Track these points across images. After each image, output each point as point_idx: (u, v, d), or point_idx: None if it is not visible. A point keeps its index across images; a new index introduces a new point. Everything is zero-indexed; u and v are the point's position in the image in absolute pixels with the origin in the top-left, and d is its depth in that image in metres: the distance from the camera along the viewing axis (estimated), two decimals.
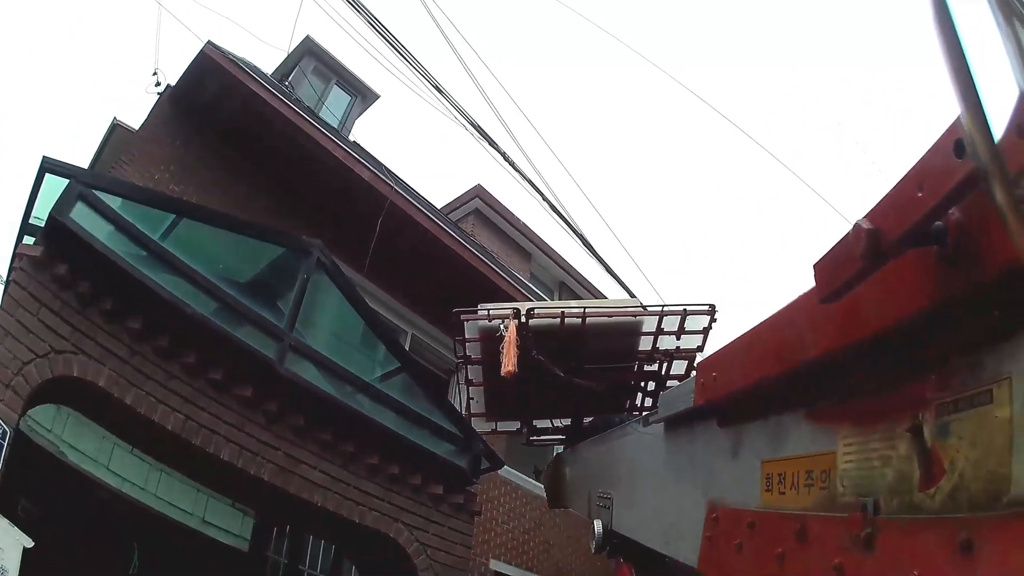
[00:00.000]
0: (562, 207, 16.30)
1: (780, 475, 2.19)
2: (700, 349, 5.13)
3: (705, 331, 5.11)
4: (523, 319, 4.60)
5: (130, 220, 7.36)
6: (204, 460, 7.35)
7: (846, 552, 1.76)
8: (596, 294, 22.47)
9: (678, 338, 5.05)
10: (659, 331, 4.98)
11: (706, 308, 5.10)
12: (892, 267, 1.48)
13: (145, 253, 7.38)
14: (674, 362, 5.18)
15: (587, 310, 4.81)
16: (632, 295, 14.57)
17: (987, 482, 1.33)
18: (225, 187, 12.31)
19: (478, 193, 20.13)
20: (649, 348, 5.07)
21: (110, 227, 7.16)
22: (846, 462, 1.85)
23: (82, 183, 6.98)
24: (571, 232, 13.92)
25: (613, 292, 19.84)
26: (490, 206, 20.24)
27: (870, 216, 1.49)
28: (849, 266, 1.52)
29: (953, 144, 1.21)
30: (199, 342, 7.42)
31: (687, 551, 2.80)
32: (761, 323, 2.30)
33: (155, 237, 7.64)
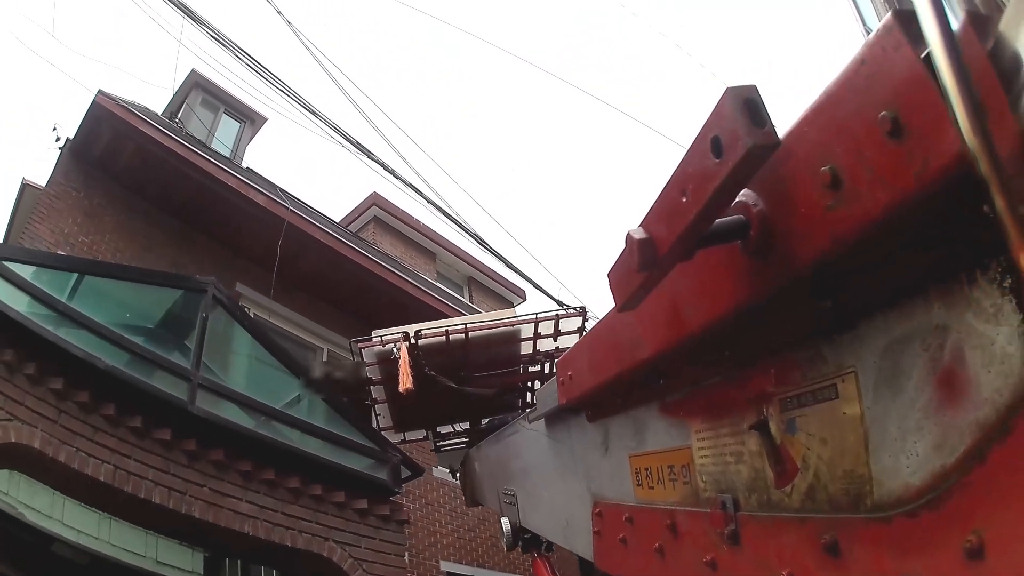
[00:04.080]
0: (451, 208, 16.63)
1: (647, 469, 2.17)
2: None
3: (580, 331, 5.47)
4: (412, 340, 5.00)
5: (40, 286, 7.61)
6: (138, 505, 7.54)
7: (716, 548, 1.73)
8: (506, 285, 22.96)
9: (555, 339, 5.41)
10: (536, 336, 5.36)
11: (577, 311, 5.62)
12: (703, 263, 1.42)
13: (57, 315, 7.62)
14: (555, 361, 5.41)
15: (468, 325, 5.22)
16: (533, 282, 15.00)
17: (846, 482, 1.29)
18: (131, 230, 12.51)
19: (375, 200, 20.36)
20: (530, 351, 5.45)
21: (25, 296, 7.41)
22: (702, 457, 1.83)
23: None
24: (465, 232, 14.20)
25: (520, 283, 20.25)
26: (389, 212, 20.49)
27: (644, 224, 1.41)
28: (633, 277, 1.43)
29: (710, 143, 1.16)
30: (115, 393, 7.63)
31: (583, 547, 2.76)
32: (601, 320, 2.24)
33: (64, 297, 7.89)
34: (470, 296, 22.46)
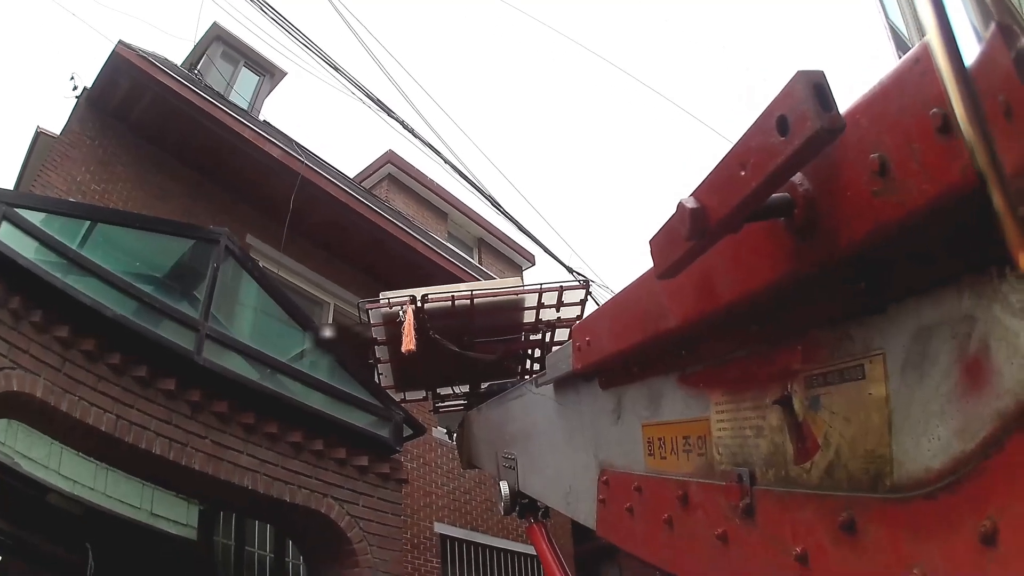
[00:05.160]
0: (468, 170, 16.62)
1: (660, 439, 2.17)
2: (579, 318, 5.57)
3: (582, 303, 5.63)
4: (419, 304, 5.13)
5: (51, 233, 7.64)
6: (139, 456, 7.60)
7: (728, 521, 1.73)
8: (516, 248, 22.96)
9: (558, 310, 5.56)
10: (540, 305, 5.49)
11: (580, 283, 5.75)
12: (742, 238, 1.43)
13: (66, 262, 7.66)
14: (556, 331, 5.69)
15: (474, 292, 5.33)
16: (543, 246, 15.06)
17: (867, 461, 1.30)
18: (144, 180, 12.56)
19: (390, 159, 20.39)
20: (533, 320, 5.59)
21: (34, 242, 7.45)
22: (720, 430, 1.83)
23: (4, 203, 7.28)
24: (479, 194, 14.22)
25: (530, 247, 20.25)
26: (403, 170, 20.54)
27: (696, 194, 1.43)
28: (679, 245, 1.46)
29: (776, 122, 1.18)
30: (121, 342, 7.68)
31: (586, 514, 2.78)
32: (626, 288, 2.21)
33: (75, 245, 7.92)
34: (479, 258, 22.49)
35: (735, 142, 1.32)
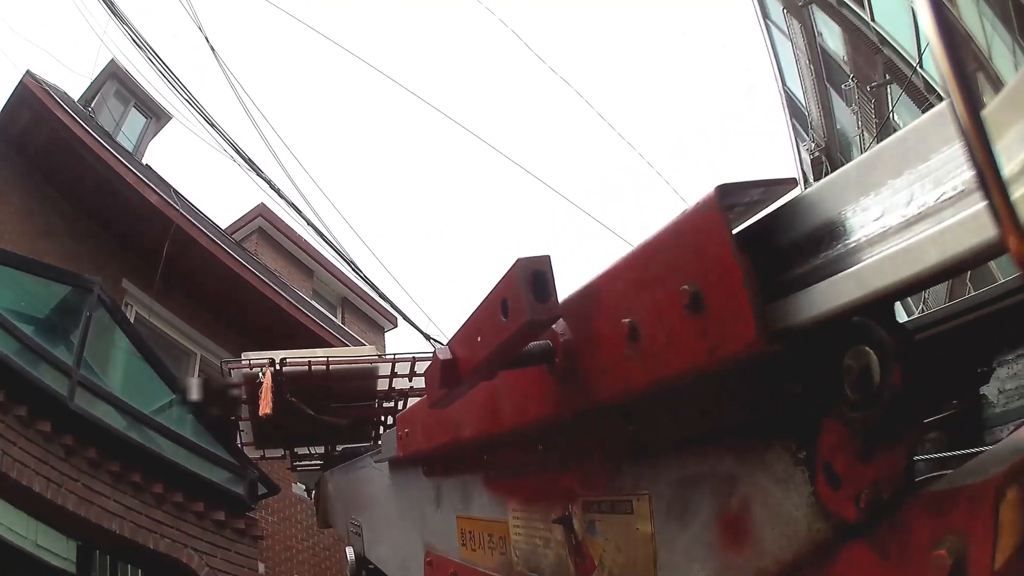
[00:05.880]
0: (332, 234, 16.86)
1: (471, 532, 2.22)
2: None
3: None
4: (277, 367, 5.29)
5: None
6: (21, 491, 7.72)
7: None
8: (378, 310, 23.18)
9: (410, 379, 5.73)
10: (393, 375, 5.71)
11: (431, 355, 6.11)
12: (518, 373, 1.45)
13: None
14: (409, 399, 5.86)
15: (331, 358, 5.52)
16: (402, 313, 15.36)
17: None
18: (32, 214, 12.55)
19: (261, 212, 20.47)
20: (386, 388, 5.78)
21: None
22: (516, 534, 1.86)
23: None
24: (340, 257, 14.38)
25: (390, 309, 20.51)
26: (273, 225, 20.67)
27: (450, 344, 1.52)
28: (438, 386, 1.53)
29: (500, 304, 1.23)
30: (4, 380, 7.83)
31: None
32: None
33: None
34: (343, 317, 22.60)
35: (476, 305, 1.40)
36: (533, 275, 1.18)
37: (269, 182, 12.74)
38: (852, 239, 0.87)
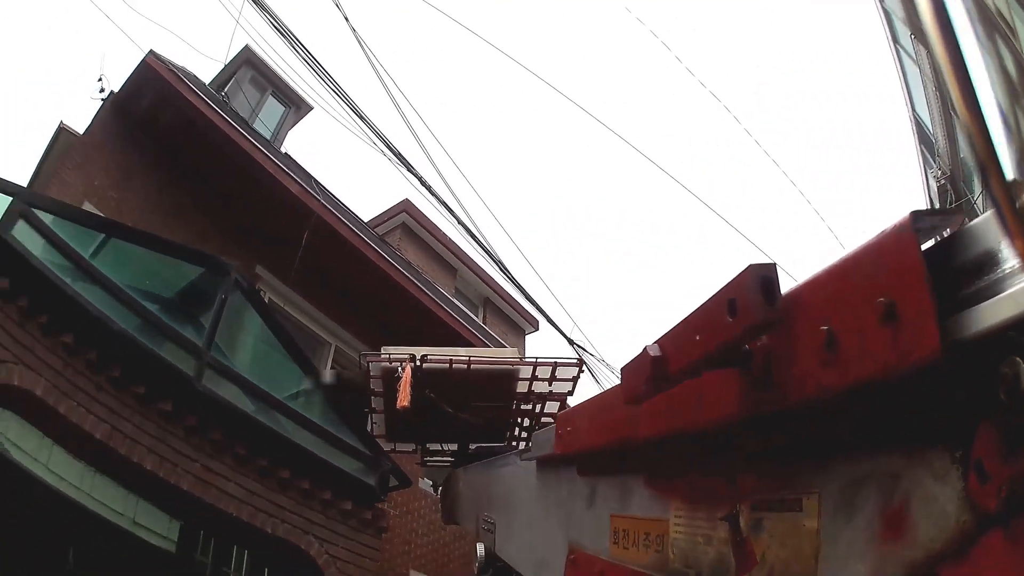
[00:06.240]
0: (480, 233, 16.59)
1: (625, 531, 2.24)
2: (570, 393, 5.80)
3: (574, 380, 5.71)
4: (418, 363, 5.20)
5: (64, 238, 7.65)
6: (130, 468, 7.61)
7: None
8: (521, 312, 22.96)
9: (550, 384, 5.63)
10: (534, 378, 5.57)
11: (575, 362, 5.79)
12: (708, 375, 1.52)
13: (78, 269, 7.66)
14: (547, 403, 5.83)
15: (472, 358, 5.44)
16: (548, 318, 15.03)
17: None
18: (161, 195, 12.49)
19: (405, 208, 20.38)
20: (525, 391, 5.68)
21: (47, 245, 7.44)
22: (676, 532, 1.90)
23: (24, 202, 7.28)
24: (488, 256, 14.22)
25: (535, 313, 20.22)
26: (417, 221, 20.52)
27: (660, 342, 1.59)
28: (642, 381, 1.61)
29: (727, 304, 1.30)
30: (124, 357, 7.69)
31: None
32: (605, 392, 2.37)
33: (87, 254, 7.93)
34: (484, 317, 22.42)
35: (696, 307, 1.48)
36: (762, 280, 1.26)
37: (419, 177, 12.66)
38: (1009, 266, 1.01)
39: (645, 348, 1.59)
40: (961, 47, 0.96)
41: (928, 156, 21.12)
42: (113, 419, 7.46)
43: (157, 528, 8.58)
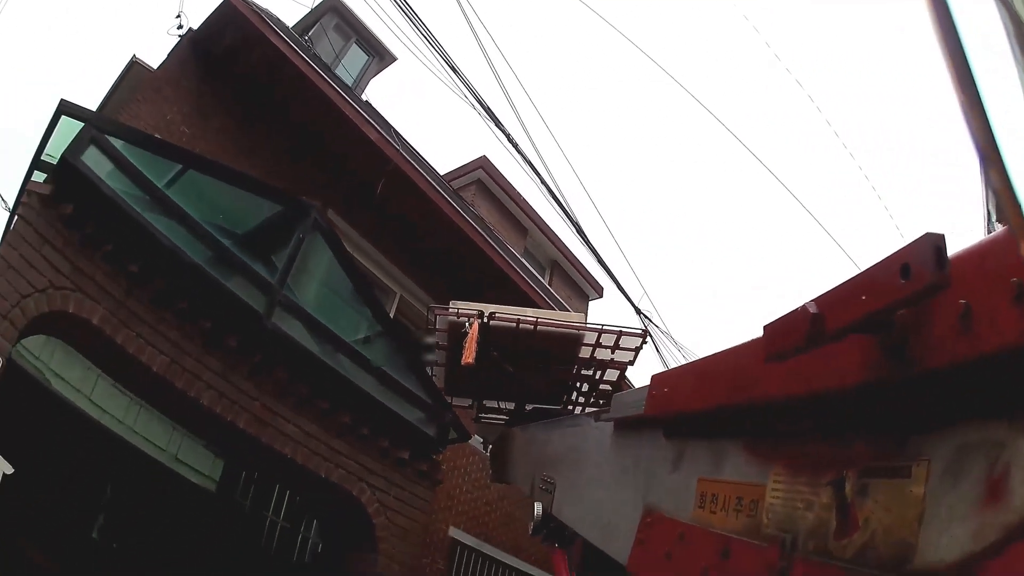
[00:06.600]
0: (560, 193, 16.48)
1: (713, 495, 2.27)
2: (631, 363, 5.83)
3: (637, 350, 5.76)
4: (485, 320, 5.26)
5: (137, 166, 7.59)
6: (184, 402, 7.59)
7: None
8: (587, 278, 23.00)
9: (612, 352, 5.66)
10: (597, 344, 5.59)
11: (639, 332, 5.81)
12: (846, 341, 1.59)
13: (149, 199, 7.61)
14: (608, 371, 5.84)
15: (539, 320, 5.44)
16: (619, 284, 14.88)
17: (896, 547, 1.44)
18: (234, 134, 12.47)
19: (482, 164, 20.31)
20: (587, 356, 5.68)
21: (118, 172, 7.39)
22: (774, 497, 1.94)
23: (96, 127, 7.23)
24: (565, 218, 14.09)
25: (602, 278, 20.04)
26: (492, 178, 20.45)
27: (818, 301, 1.61)
28: (794, 338, 1.64)
29: (900, 267, 1.35)
30: (192, 290, 7.66)
31: (619, 549, 2.85)
32: (715, 354, 2.35)
33: (160, 184, 7.87)
34: (550, 280, 22.35)
35: (860, 271, 1.53)
36: (935, 247, 1.29)
37: (507, 134, 12.64)
38: None
39: (803, 305, 1.62)
40: (964, 48, 1.07)
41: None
42: (174, 352, 7.44)
43: (199, 466, 8.68)
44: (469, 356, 5.09)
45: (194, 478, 8.55)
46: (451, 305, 5.56)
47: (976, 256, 1.32)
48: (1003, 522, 1.18)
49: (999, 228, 1.30)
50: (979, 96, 1.07)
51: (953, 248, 1.34)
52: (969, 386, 1.36)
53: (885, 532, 1.48)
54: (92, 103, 14.65)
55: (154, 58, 12.81)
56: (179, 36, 12.40)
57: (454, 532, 14.61)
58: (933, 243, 1.29)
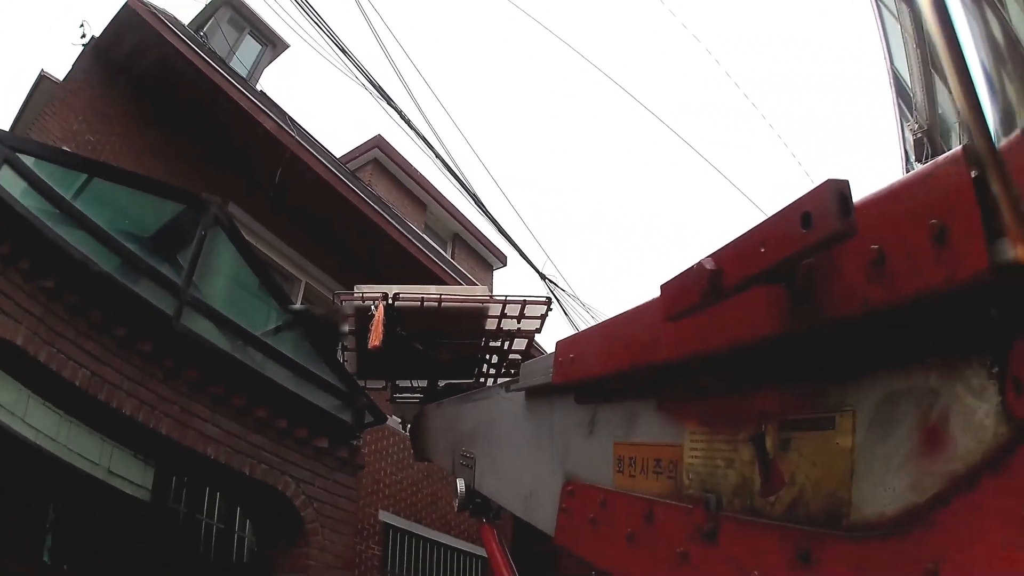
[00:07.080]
0: (456, 166, 16.71)
1: (631, 459, 2.26)
2: (538, 331, 6.09)
3: (542, 317, 6.00)
4: (390, 302, 5.45)
5: (47, 181, 7.63)
6: (109, 414, 7.61)
7: (691, 541, 1.85)
8: (490, 248, 23.22)
9: (518, 322, 5.93)
10: (503, 315, 5.85)
11: (544, 300, 6.07)
12: (747, 293, 1.56)
13: (59, 212, 7.65)
14: (515, 340, 6.11)
15: (443, 296, 5.67)
16: (520, 250, 15.19)
17: (828, 501, 1.44)
18: (137, 137, 12.52)
19: (378, 143, 20.45)
20: (494, 328, 5.94)
21: (29, 189, 7.44)
22: (692, 457, 1.93)
23: (8, 147, 7.30)
24: (462, 189, 14.27)
25: (504, 247, 20.36)
26: (389, 156, 20.59)
27: (715, 256, 1.58)
28: (691, 296, 1.61)
29: (800, 216, 1.32)
30: (105, 299, 7.70)
31: (545, 520, 2.84)
32: (618, 316, 2.34)
33: (69, 196, 7.91)
34: (452, 253, 22.55)
35: (758, 222, 1.50)
36: (839, 194, 1.28)
37: (400, 112, 12.94)
38: None
39: (699, 262, 1.60)
40: (951, 13, 1.07)
41: (905, 109, 21.33)
42: (94, 364, 7.46)
43: (131, 476, 8.59)
44: (376, 339, 5.25)
45: (128, 489, 8.49)
46: (356, 290, 5.71)
47: (889, 198, 1.31)
48: (946, 471, 1.19)
49: (917, 167, 1.30)
50: (978, 98, 1.09)
51: (866, 191, 1.36)
52: (888, 333, 1.36)
53: (814, 487, 1.49)
54: (5, 123, 14.62)
55: (64, 70, 12.87)
56: (83, 45, 12.45)
57: (384, 516, 14.78)
58: (836, 189, 1.28)
